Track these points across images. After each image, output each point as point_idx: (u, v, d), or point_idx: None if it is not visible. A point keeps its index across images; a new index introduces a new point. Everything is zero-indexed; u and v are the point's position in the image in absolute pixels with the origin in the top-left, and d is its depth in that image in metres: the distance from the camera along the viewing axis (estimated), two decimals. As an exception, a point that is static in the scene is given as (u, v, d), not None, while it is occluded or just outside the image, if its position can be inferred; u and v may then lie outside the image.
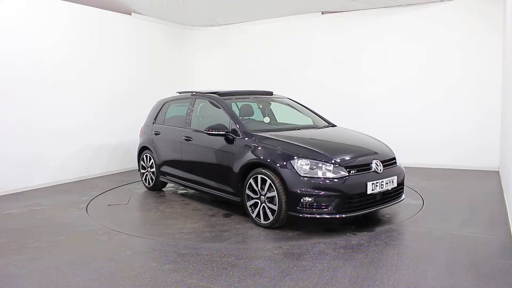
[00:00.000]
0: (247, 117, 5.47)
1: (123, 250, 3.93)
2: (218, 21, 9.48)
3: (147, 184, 6.55)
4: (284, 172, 4.23)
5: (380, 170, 4.39)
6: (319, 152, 4.31)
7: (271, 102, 6.05)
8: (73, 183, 7.06)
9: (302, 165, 4.19)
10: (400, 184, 4.68)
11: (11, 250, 3.97)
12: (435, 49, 7.63)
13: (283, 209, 4.24)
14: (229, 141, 4.89)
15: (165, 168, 6.09)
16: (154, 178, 6.35)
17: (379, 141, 5.10)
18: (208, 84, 9.38)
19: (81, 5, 7.25)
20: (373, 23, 8.13)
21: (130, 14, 8.35)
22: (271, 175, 4.32)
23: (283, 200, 4.22)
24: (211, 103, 5.53)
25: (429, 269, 3.32)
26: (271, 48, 9.24)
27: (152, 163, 6.35)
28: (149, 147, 6.39)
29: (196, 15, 9.03)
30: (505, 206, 4.97)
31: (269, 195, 4.36)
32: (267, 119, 5.65)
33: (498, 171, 7.10)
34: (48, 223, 4.89)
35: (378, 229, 4.38)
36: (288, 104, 6.01)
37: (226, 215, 5.05)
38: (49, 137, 6.83)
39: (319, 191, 4.10)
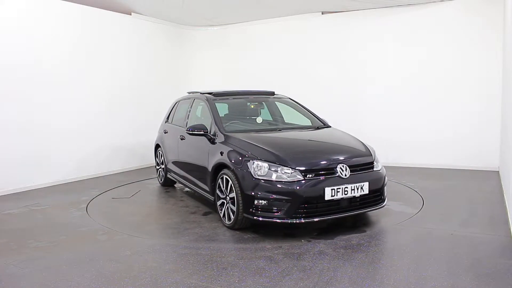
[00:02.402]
0: (252, 117, 5.58)
1: (123, 250, 3.93)
2: (218, 21, 9.48)
3: (159, 180, 6.85)
4: (240, 174, 4.23)
5: (346, 176, 4.15)
6: (277, 155, 4.21)
7: (266, 102, 6.04)
8: (74, 183, 7.06)
9: (257, 167, 4.15)
10: (376, 191, 4.36)
11: (11, 250, 3.97)
12: (435, 49, 7.63)
13: (240, 210, 4.22)
14: (210, 141, 4.94)
15: (170, 165, 6.32)
16: (164, 174, 6.60)
17: (363, 144, 4.82)
18: (208, 84, 9.38)
19: (81, 5, 7.25)
20: (373, 23, 8.13)
21: (130, 14, 8.35)
22: (231, 176, 4.33)
23: (240, 202, 4.21)
24: (204, 103, 5.59)
25: (429, 269, 3.32)
26: (271, 48, 9.23)
27: (163, 160, 6.59)
28: (160, 144, 6.68)
29: (196, 15, 9.03)
30: (505, 206, 4.97)
31: (231, 196, 4.37)
32: (259, 119, 5.63)
33: (498, 171, 7.10)
34: (48, 223, 4.89)
35: (378, 229, 4.39)
36: (288, 104, 6.00)
37: (205, 213, 5.14)
38: (49, 137, 6.83)
39: (271, 194, 4.02)
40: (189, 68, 9.81)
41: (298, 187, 4.00)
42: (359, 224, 4.55)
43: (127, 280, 3.25)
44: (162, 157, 6.60)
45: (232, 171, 4.32)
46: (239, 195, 4.21)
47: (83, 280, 3.27)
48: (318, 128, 5.41)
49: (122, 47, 8.14)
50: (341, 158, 4.32)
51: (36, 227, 4.71)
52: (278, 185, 4.03)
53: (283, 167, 4.11)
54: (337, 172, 4.15)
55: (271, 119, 5.92)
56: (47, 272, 3.44)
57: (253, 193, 4.09)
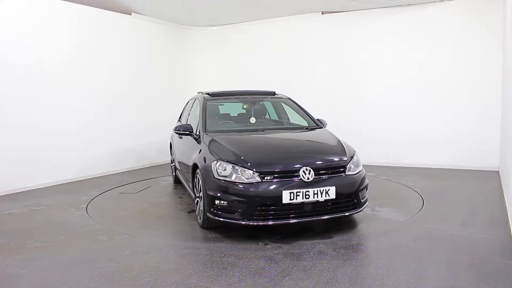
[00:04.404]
0: (247, 117, 5.58)
1: (123, 250, 3.93)
2: (218, 21, 9.48)
3: (172, 177, 7.12)
4: (204, 174, 4.29)
5: (308, 179, 4.02)
6: (239, 156, 4.18)
7: (271, 102, 6.03)
8: (73, 183, 7.06)
9: (219, 167, 4.16)
10: (348, 196, 4.19)
11: (11, 250, 3.97)
12: (435, 49, 7.63)
13: (206, 210, 4.26)
14: (197, 140, 4.99)
15: (176, 163, 6.52)
16: (174, 171, 6.88)
17: (343, 147, 4.59)
18: (208, 84, 9.37)
19: (81, 5, 7.25)
20: (373, 23, 8.13)
21: (130, 14, 8.35)
22: (200, 175, 4.40)
23: (205, 201, 4.25)
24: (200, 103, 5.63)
25: (429, 269, 3.32)
26: (271, 48, 9.24)
27: (174, 157, 6.82)
28: (171, 143, 6.96)
29: (196, 15, 9.03)
30: (505, 206, 4.97)
31: (201, 195, 4.42)
32: (253, 120, 5.58)
33: (498, 171, 7.10)
34: (48, 223, 4.89)
35: (377, 230, 4.39)
36: (287, 104, 5.98)
37: (191, 211, 5.20)
38: (49, 137, 6.83)
39: (227, 195, 4.03)
40: (189, 68, 9.80)
41: (254, 189, 3.96)
42: (355, 225, 4.55)
43: (127, 280, 3.25)
44: (173, 155, 6.83)
45: (200, 170, 4.40)
46: (204, 194, 4.26)
47: (83, 280, 3.26)
48: (307, 129, 5.29)
49: (122, 47, 8.13)
50: (307, 161, 4.17)
51: (36, 227, 4.71)
52: (236, 186, 4.03)
53: (243, 168, 4.09)
54: (300, 175, 4.04)
55: (277, 119, 5.91)
56: (47, 272, 3.44)
57: (214, 193, 4.12)
